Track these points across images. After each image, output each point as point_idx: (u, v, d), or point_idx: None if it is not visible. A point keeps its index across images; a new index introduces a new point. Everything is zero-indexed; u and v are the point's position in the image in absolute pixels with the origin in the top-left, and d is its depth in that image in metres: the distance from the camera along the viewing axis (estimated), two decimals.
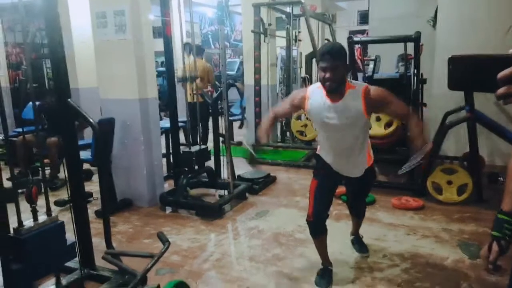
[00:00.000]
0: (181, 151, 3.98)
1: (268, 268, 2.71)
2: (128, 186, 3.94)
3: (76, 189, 2.43)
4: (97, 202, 3.79)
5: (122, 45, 3.66)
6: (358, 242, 2.91)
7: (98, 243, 2.71)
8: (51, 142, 4.38)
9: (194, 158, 3.84)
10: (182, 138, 4.82)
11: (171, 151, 4.43)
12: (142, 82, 3.75)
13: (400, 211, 3.65)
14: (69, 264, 2.37)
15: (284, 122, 6.45)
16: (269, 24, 6.11)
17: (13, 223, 1.95)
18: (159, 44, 3.98)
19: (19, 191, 2.14)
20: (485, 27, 4.60)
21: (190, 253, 2.96)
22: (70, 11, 5.39)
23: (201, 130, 4.76)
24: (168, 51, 3.97)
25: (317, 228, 2.41)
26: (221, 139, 4.31)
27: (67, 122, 2.42)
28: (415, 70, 4.14)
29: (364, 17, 13.26)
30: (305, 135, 6.00)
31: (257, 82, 6.05)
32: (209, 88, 5.82)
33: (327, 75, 2.06)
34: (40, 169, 2.31)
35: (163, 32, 3.89)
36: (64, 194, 3.93)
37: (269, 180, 4.55)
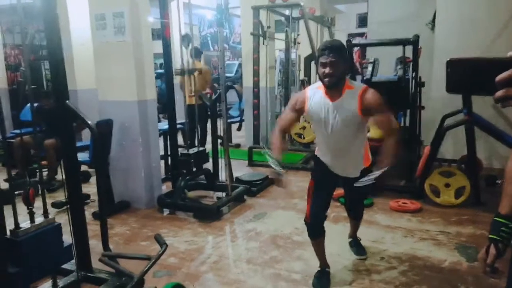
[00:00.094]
0: (179, 153, 3.98)
1: (266, 271, 2.71)
2: (125, 188, 3.93)
3: (73, 191, 2.43)
4: (95, 204, 3.78)
5: (121, 47, 3.66)
6: (356, 245, 2.91)
7: (95, 245, 2.70)
8: (49, 144, 4.36)
9: (192, 160, 3.83)
10: (180, 140, 4.82)
11: (169, 153, 4.43)
12: (141, 84, 3.75)
13: (398, 213, 3.65)
14: (66, 266, 2.36)
15: None
16: (268, 27, 6.12)
17: (9, 225, 1.95)
18: (158, 46, 3.98)
19: (16, 192, 2.14)
20: (485, 27, 4.61)
21: (188, 256, 2.96)
22: (69, 12, 5.38)
23: (199, 132, 4.76)
24: (167, 53, 3.97)
25: (315, 229, 2.41)
26: (219, 141, 4.31)
27: (65, 124, 2.42)
28: (414, 73, 4.15)
29: (363, 20, 13.28)
30: (304, 138, 6.00)
31: (256, 84, 6.05)
32: (208, 90, 5.82)
33: (327, 70, 2.06)
34: (37, 170, 2.30)
35: (162, 34, 3.89)
36: (61, 196, 3.90)
37: (267, 183, 4.55)
